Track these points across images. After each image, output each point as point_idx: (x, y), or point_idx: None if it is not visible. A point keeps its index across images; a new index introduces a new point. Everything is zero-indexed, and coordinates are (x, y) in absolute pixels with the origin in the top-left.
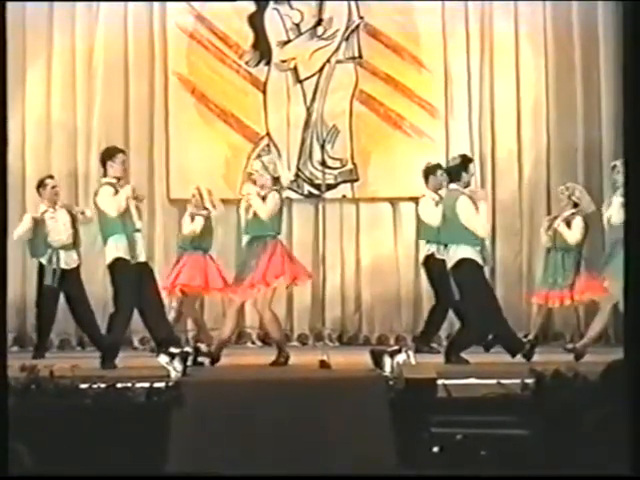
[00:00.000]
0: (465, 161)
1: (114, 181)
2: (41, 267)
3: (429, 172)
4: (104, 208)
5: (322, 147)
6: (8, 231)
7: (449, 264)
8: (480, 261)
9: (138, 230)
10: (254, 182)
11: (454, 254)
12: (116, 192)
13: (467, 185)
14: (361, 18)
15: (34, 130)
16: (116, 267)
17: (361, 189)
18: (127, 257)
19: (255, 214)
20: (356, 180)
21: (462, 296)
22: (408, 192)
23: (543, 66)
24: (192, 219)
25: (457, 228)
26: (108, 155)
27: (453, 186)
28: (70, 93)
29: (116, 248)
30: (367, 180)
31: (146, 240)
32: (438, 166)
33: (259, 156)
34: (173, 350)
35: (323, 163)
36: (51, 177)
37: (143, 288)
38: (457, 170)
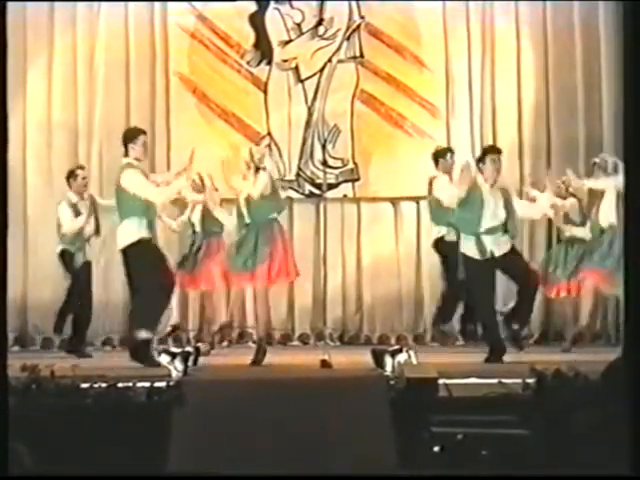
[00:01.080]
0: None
1: (135, 162)
2: (66, 257)
3: (439, 155)
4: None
5: (323, 147)
6: (8, 231)
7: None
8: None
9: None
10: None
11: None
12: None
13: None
14: (362, 18)
15: (35, 130)
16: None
17: (362, 189)
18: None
19: (249, 200)
20: (357, 180)
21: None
22: (409, 192)
23: (544, 65)
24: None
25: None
26: (129, 137)
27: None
28: (71, 93)
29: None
30: (368, 180)
31: None
32: (448, 149)
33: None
34: (174, 350)
35: (324, 163)
36: (81, 168)
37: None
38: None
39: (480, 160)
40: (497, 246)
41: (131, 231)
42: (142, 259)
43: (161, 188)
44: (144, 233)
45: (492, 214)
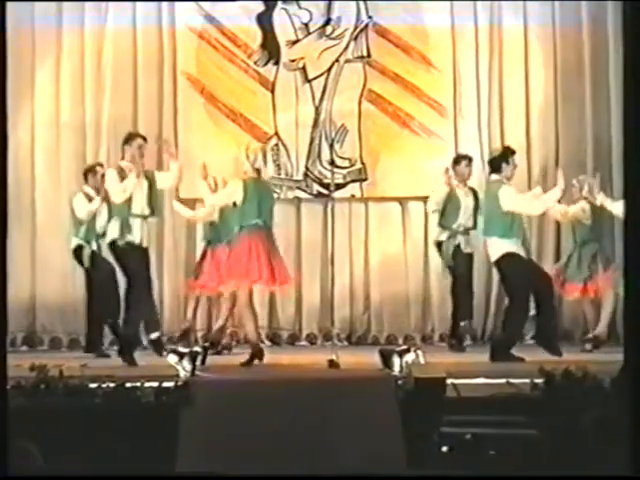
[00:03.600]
0: (507, 152)
1: (124, 164)
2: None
3: (454, 163)
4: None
5: (331, 146)
6: (8, 231)
7: (492, 257)
8: (522, 252)
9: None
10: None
11: (494, 249)
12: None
13: (509, 177)
14: (370, 17)
15: (44, 130)
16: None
17: (370, 188)
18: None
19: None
20: (365, 179)
21: (509, 292)
22: (417, 191)
23: (552, 65)
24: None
25: (499, 218)
26: (126, 139)
27: (494, 177)
28: (79, 93)
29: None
30: (376, 179)
31: (155, 239)
32: (463, 157)
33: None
34: (182, 349)
35: (332, 162)
36: (101, 165)
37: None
38: (498, 162)
39: (504, 160)
40: None
41: (114, 231)
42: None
43: (116, 187)
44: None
45: None
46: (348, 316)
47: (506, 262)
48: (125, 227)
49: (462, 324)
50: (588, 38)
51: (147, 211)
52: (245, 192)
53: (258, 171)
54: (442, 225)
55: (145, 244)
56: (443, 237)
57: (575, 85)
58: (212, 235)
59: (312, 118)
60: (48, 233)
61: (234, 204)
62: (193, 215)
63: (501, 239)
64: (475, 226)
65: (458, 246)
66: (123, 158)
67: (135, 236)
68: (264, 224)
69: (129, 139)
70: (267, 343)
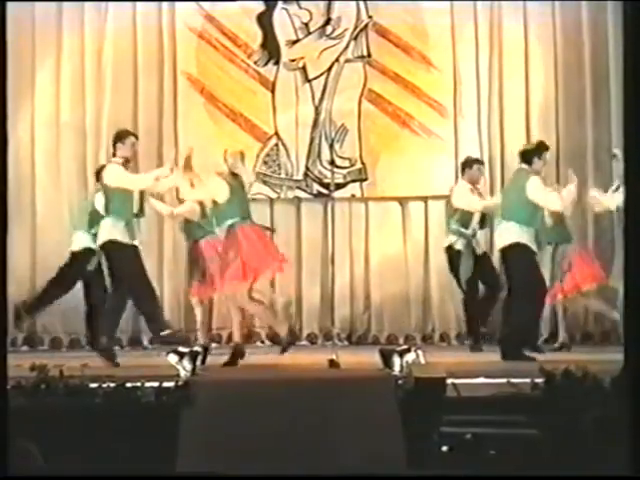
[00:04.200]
0: (540, 147)
1: (120, 161)
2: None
3: (465, 165)
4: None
5: (331, 146)
6: (8, 231)
7: (499, 244)
8: (534, 247)
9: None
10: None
11: (507, 235)
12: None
13: (538, 172)
14: (370, 17)
15: (44, 130)
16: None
17: (370, 188)
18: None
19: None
20: (365, 179)
21: (512, 283)
22: (417, 191)
23: (552, 65)
24: None
25: (522, 205)
26: (118, 137)
27: (524, 166)
28: (79, 93)
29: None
30: (376, 179)
31: (156, 240)
32: (476, 160)
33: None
34: (182, 349)
35: (332, 162)
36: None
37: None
38: (531, 155)
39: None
40: None
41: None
42: (115, 258)
43: (139, 175)
44: (119, 235)
45: None
46: (348, 316)
47: (515, 252)
48: (128, 226)
49: (483, 330)
50: (588, 38)
51: (138, 210)
52: (230, 191)
53: (234, 175)
54: (456, 231)
55: (138, 244)
56: (459, 245)
57: (575, 85)
58: (198, 233)
59: (312, 118)
60: (48, 233)
61: (214, 202)
62: (171, 212)
63: (518, 226)
64: (483, 227)
65: (474, 252)
66: (115, 155)
67: (133, 235)
68: (250, 220)
69: (122, 137)
70: (267, 343)
